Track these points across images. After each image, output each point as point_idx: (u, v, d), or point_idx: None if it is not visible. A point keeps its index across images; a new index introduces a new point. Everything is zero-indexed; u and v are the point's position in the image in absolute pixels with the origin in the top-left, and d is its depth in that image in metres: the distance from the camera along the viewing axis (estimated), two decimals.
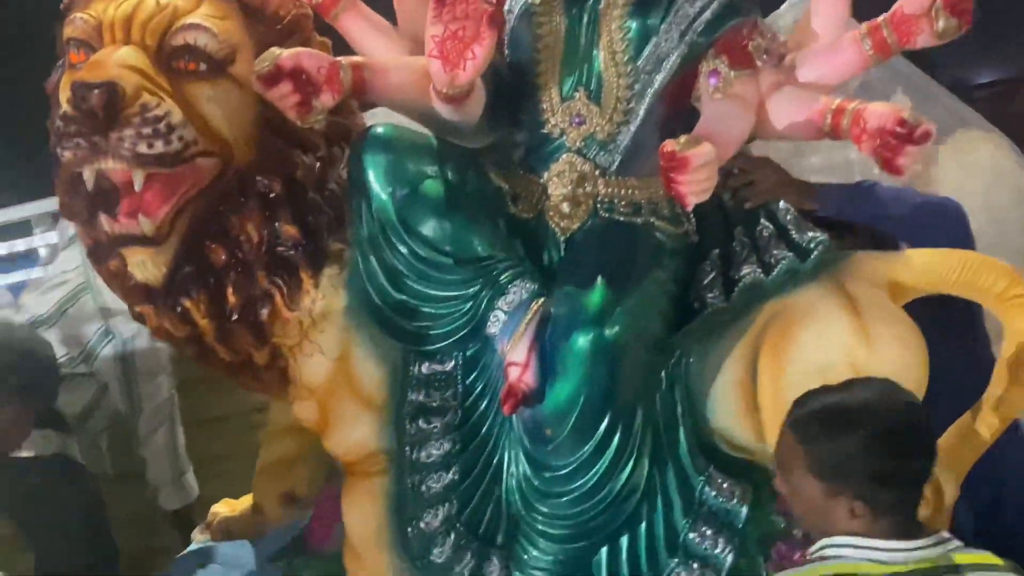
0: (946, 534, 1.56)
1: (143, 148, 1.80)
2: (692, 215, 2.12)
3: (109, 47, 1.87)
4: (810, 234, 2.06)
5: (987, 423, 2.10)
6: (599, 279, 1.91)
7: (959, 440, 2.13)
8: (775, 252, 2.04)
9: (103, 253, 2.01)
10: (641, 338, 1.92)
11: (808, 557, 1.57)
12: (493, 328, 1.95)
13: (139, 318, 2.12)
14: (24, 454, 2.50)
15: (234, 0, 1.95)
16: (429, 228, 1.93)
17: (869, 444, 1.51)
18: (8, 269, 3.07)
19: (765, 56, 2.01)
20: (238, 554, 2.43)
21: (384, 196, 1.92)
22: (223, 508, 2.59)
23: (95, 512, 2.55)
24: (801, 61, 2.03)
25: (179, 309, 1.97)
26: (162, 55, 1.88)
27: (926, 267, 2.12)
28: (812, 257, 2.02)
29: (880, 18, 1.92)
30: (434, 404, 2.02)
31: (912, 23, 1.88)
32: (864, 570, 1.46)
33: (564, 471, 1.91)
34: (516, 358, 1.90)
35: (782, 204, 2.12)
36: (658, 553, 2.02)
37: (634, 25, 2.02)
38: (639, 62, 2.01)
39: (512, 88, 2.06)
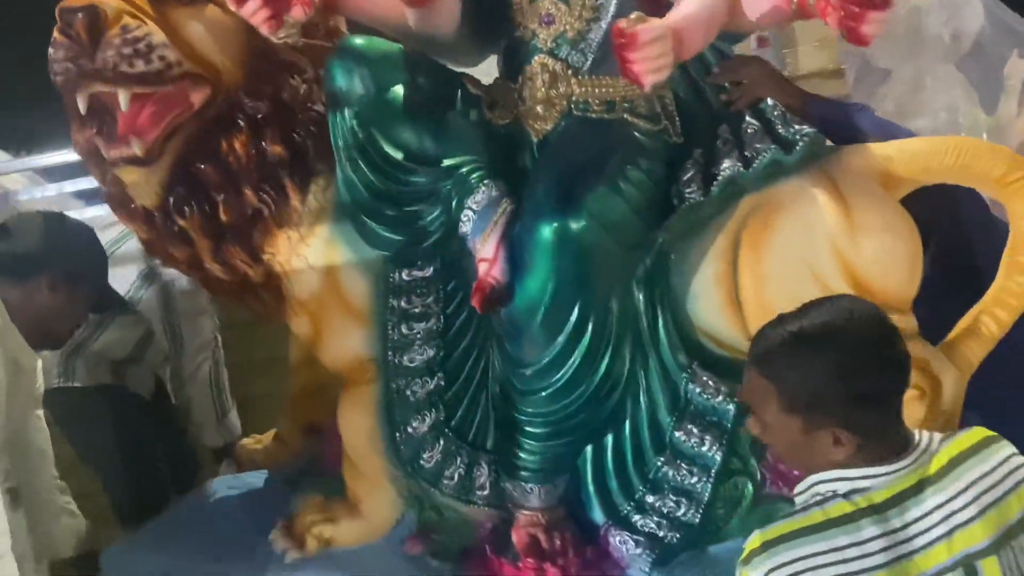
0: (927, 436, 1.50)
1: (125, 67, 1.92)
2: (675, 115, 2.11)
3: None
4: (796, 127, 2.03)
5: (995, 316, 2.05)
6: (567, 172, 1.94)
7: (967, 335, 2.07)
8: (758, 146, 2.01)
9: (105, 178, 2.14)
10: (610, 231, 1.92)
11: (797, 497, 1.50)
12: (464, 227, 2.00)
13: (149, 247, 2.24)
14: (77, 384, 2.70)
15: None
16: (397, 134, 1.99)
17: (841, 366, 1.44)
18: (82, 207, 3.25)
19: None
20: (251, 481, 2.53)
21: (353, 103, 1.98)
22: (250, 441, 2.73)
23: (149, 438, 2.74)
24: None
25: (176, 229, 2.08)
26: None
27: (919, 154, 2.05)
28: (797, 149, 1.98)
29: None
30: (416, 310, 2.08)
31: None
32: (860, 504, 1.41)
33: (540, 365, 1.95)
34: (485, 254, 1.94)
35: (770, 101, 2.09)
36: (644, 452, 2.05)
37: None
38: None
39: (490, 1, 2.10)
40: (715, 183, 1.99)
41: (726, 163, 2.00)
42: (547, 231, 1.87)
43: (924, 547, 1.40)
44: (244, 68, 2.06)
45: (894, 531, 1.40)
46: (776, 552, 1.39)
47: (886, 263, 1.96)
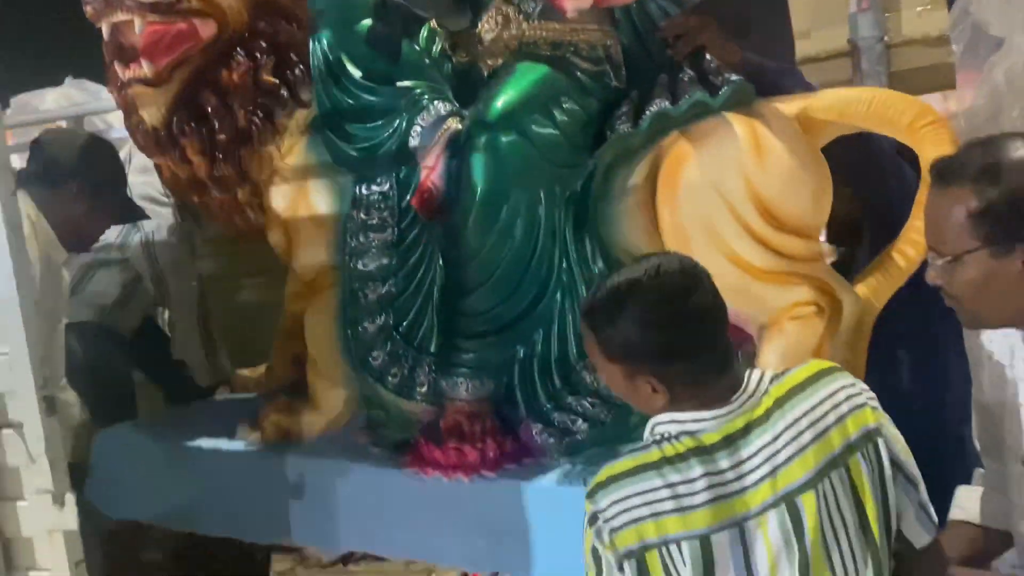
0: (756, 376, 1.58)
1: None
2: (619, 62, 2.37)
3: None
4: (726, 75, 2.25)
5: (904, 253, 2.23)
6: (504, 93, 2.22)
7: (876, 268, 2.29)
8: (689, 91, 2.24)
9: (123, 103, 2.50)
10: (539, 149, 2.20)
11: (645, 435, 1.59)
12: (413, 142, 2.29)
13: (160, 173, 2.59)
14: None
15: None
16: (359, 57, 2.33)
17: (642, 319, 1.54)
18: None
19: None
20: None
21: (327, 28, 2.32)
22: (245, 371, 3.03)
23: (121, 369, 3.08)
24: None
25: (177, 150, 2.42)
26: None
27: (836, 100, 2.26)
28: (722, 92, 2.21)
29: None
30: (373, 222, 2.35)
31: None
32: (690, 445, 1.51)
33: (475, 261, 2.20)
34: (428, 163, 2.24)
35: (707, 55, 2.32)
36: (567, 355, 2.27)
37: None
38: None
39: None
40: (643, 116, 2.23)
41: (656, 101, 2.24)
42: (480, 140, 2.16)
43: (751, 486, 1.49)
44: (249, 11, 2.38)
45: (721, 471, 1.49)
46: (618, 487, 1.50)
47: (791, 190, 2.16)
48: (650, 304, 1.55)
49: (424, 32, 2.41)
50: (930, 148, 2.15)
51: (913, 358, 2.48)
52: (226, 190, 2.46)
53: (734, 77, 2.23)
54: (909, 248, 2.18)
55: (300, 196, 2.41)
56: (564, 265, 2.27)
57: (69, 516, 1.84)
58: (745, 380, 1.57)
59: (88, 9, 2.30)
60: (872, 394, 1.59)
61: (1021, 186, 1.50)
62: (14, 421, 1.86)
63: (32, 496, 1.88)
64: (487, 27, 2.34)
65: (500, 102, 2.20)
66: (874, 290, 2.27)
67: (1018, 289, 1.54)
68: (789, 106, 2.25)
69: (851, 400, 1.55)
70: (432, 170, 2.21)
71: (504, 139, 2.16)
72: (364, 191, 2.36)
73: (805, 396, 1.54)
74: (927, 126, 2.17)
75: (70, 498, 1.84)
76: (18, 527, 1.91)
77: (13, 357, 1.83)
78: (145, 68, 2.30)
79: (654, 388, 1.54)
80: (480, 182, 2.16)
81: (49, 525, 1.87)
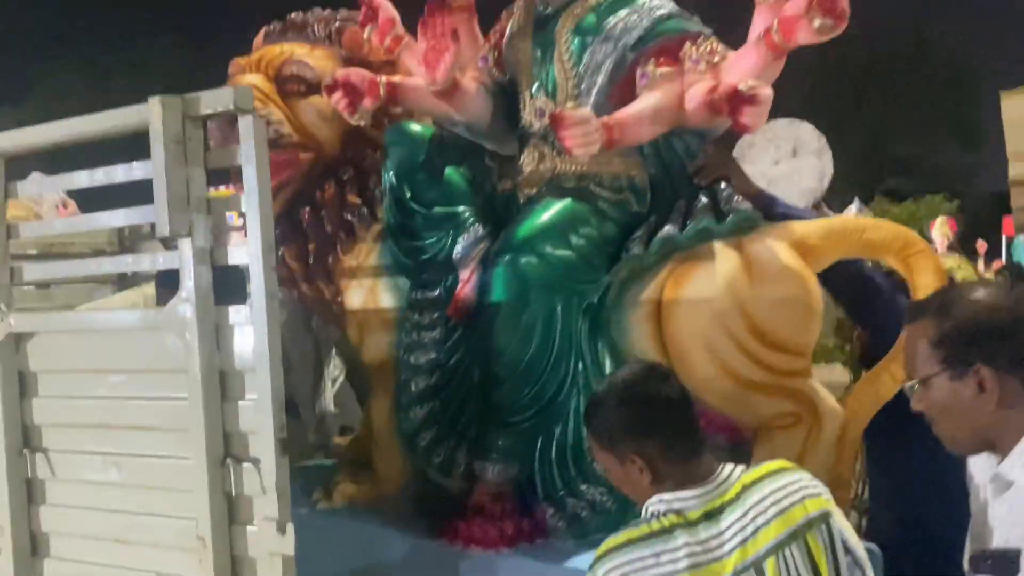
0: (729, 468, 1.85)
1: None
2: (643, 189, 2.70)
3: (247, 75, 2.86)
4: (736, 204, 2.56)
5: (891, 373, 2.46)
6: (528, 221, 2.60)
7: (866, 385, 2.56)
8: (700, 217, 2.55)
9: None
10: (554, 267, 2.53)
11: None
12: (456, 256, 2.68)
13: None
14: None
15: (335, 47, 2.91)
16: (418, 187, 2.75)
17: (618, 404, 1.87)
18: None
19: (691, 62, 2.55)
20: None
21: (394, 162, 2.75)
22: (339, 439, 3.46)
23: None
24: (725, 67, 2.52)
25: (280, 254, 2.90)
26: (278, 79, 2.85)
27: (832, 228, 2.57)
28: (728, 220, 2.51)
29: (772, 22, 2.36)
30: (424, 322, 2.73)
31: (793, 23, 2.31)
32: (676, 521, 1.77)
33: (503, 359, 2.56)
34: (463, 276, 2.63)
35: (723, 185, 2.63)
36: (582, 446, 2.53)
37: (576, 40, 2.68)
38: (580, 68, 2.68)
39: (512, 98, 2.84)
40: (653, 240, 2.56)
41: (667, 227, 2.56)
42: (504, 259, 2.54)
43: (725, 554, 1.74)
44: (340, 141, 2.87)
45: (701, 542, 1.75)
46: (613, 556, 1.76)
47: (780, 312, 2.44)
48: (624, 393, 1.89)
49: (474, 164, 2.83)
50: (917, 274, 2.44)
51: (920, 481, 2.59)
52: (316, 289, 2.92)
53: (743, 206, 2.54)
54: (897, 367, 2.37)
55: (370, 296, 2.83)
56: (580, 367, 2.58)
57: (288, 543, 2.11)
58: (720, 469, 1.85)
59: (212, 142, 2.83)
60: (827, 489, 1.84)
61: (969, 318, 1.76)
62: (254, 457, 2.15)
63: (260, 522, 2.13)
64: (527, 161, 2.75)
65: (523, 229, 2.58)
66: (859, 406, 2.52)
67: (977, 410, 1.74)
68: (789, 233, 2.52)
69: (809, 488, 1.82)
70: (467, 282, 2.60)
71: (523, 260, 2.52)
72: (418, 295, 2.75)
73: (770, 482, 1.81)
74: (914, 254, 2.46)
75: (290, 527, 2.12)
76: (246, 548, 2.18)
77: (259, 403, 2.13)
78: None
79: (640, 468, 1.82)
80: (501, 295, 2.53)
81: (271, 549, 2.12)
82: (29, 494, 2.50)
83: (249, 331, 2.15)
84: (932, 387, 1.79)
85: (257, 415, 2.15)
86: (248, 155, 2.13)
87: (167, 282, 3.03)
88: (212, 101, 2.17)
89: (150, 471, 2.30)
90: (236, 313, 2.18)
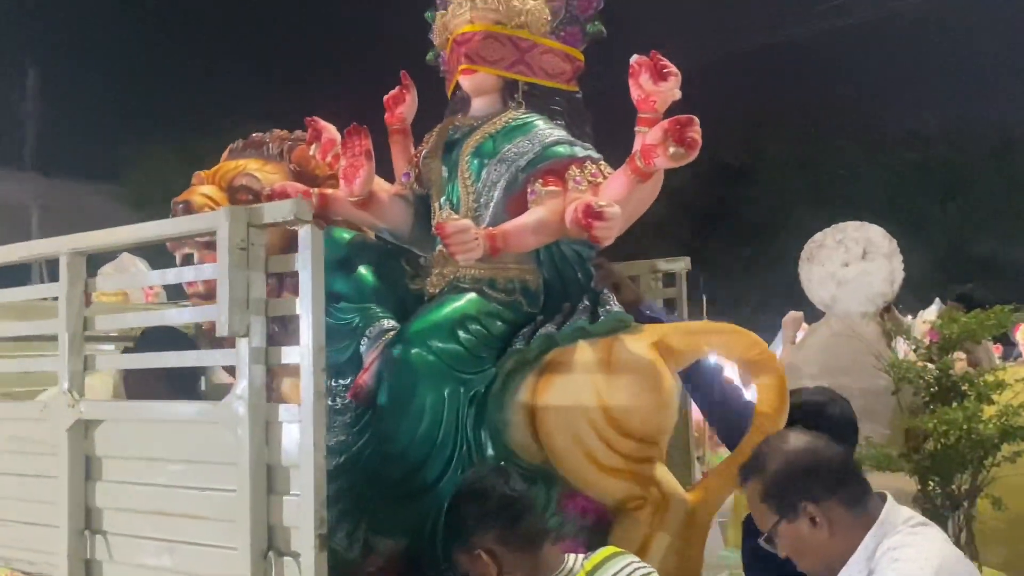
0: (572, 558, 2.30)
1: (198, 237, 2.93)
2: (535, 290, 3.00)
3: (204, 186, 3.16)
4: (612, 308, 2.89)
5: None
6: (421, 317, 2.85)
7: (716, 475, 2.89)
8: (577, 318, 2.86)
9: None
10: (441, 359, 2.75)
11: None
12: (363, 347, 2.89)
13: None
14: None
15: (284, 164, 3.25)
16: (338, 285, 2.93)
17: (463, 505, 2.34)
18: None
19: (574, 182, 2.90)
20: None
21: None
22: None
23: None
24: (602, 188, 2.88)
25: None
26: (230, 189, 3.15)
27: (689, 331, 2.94)
28: (600, 321, 2.84)
29: (635, 148, 2.72)
30: (338, 406, 2.89)
31: (652, 150, 2.66)
32: None
33: (391, 440, 2.73)
34: (366, 363, 2.83)
35: (605, 291, 2.98)
36: None
37: (475, 161, 3.04)
38: (478, 185, 3.03)
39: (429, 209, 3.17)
40: (534, 336, 2.83)
41: (548, 326, 2.86)
42: (394, 351, 2.75)
43: None
44: (280, 243, 2.85)
45: None
46: None
47: (633, 404, 2.72)
48: (467, 490, 2.36)
49: (390, 265, 3.10)
50: (759, 374, 2.82)
51: None
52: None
53: (616, 311, 2.89)
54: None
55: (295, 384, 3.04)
56: (464, 449, 2.76)
57: None
58: (565, 559, 2.24)
59: (168, 244, 3.03)
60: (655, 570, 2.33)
61: (780, 468, 2.14)
62: (294, 551, 2.24)
63: None
64: (435, 264, 3.05)
65: (417, 323, 2.82)
66: (707, 495, 2.80)
67: (819, 541, 2.09)
68: (651, 334, 2.86)
69: (643, 568, 2.26)
70: (366, 370, 2.81)
71: (413, 351, 2.74)
72: (334, 383, 2.90)
73: (611, 566, 2.24)
74: (757, 357, 2.83)
75: None
76: None
77: (302, 499, 2.23)
78: (201, 287, 2.95)
79: (487, 563, 2.19)
80: (392, 382, 2.74)
81: None
82: (87, 574, 2.62)
83: (296, 429, 2.26)
84: (778, 535, 2.13)
85: (299, 510, 2.24)
86: (304, 262, 2.28)
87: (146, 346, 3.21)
88: (273, 212, 2.33)
89: (200, 559, 2.40)
90: (285, 411, 2.30)
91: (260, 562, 2.27)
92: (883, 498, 2.16)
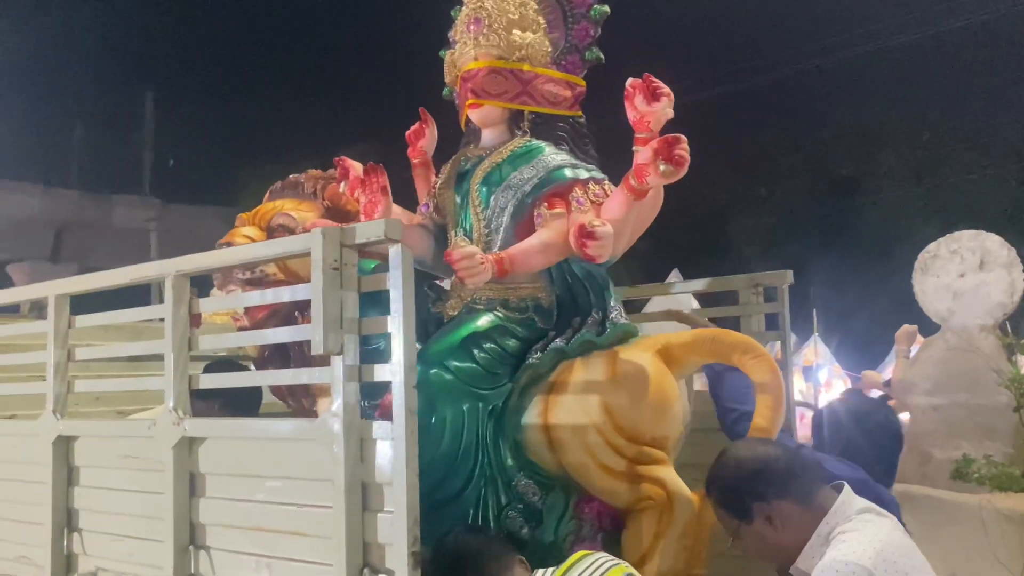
0: (541, 571, 2.43)
1: (239, 274, 3.22)
2: (548, 308, 3.11)
3: (245, 228, 3.43)
4: (619, 320, 3.03)
5: None
6: (438, 339, 2.94)
7: None
8: (586, 331, 2.99)
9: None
10: (458, 377, 2.84)
11: None
12: None
13: None
14: None
15: (318, 202, 3.54)
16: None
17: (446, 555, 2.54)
18: None
19: (577, 203, 3.05)
20: None
21: None
22: None
23: None
24: (604, 207, 3.02)
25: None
26: (268, 229, 3.41)
27: (690, 338, 3.08)
28: (607, 332, 2.99)
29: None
30: None
31: (643, 169, 2.80)
32: None
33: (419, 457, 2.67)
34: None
35: (613, 302, 3.09)
36: (489, 520, 2.84)
37: (484, 189, 3.19)
38: (487, 212, 3.16)
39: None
40: (547, 350, 2.95)
41: (558, 340, 2.98)
42: (416, 371, 2.70)
43: None
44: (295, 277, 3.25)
45: None
46: None
47: (638, 410, 2.85)
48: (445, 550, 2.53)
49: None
50: (755, 373, 2.93)
51: None
52: (297, 400, 3.42)
53: (622, 322, 3.04)
54: None
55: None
56: (485, 461, 2.85)
57: None
58: (534, 573, 2.38)
59: (216, 282, 3.30)
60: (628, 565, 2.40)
61: (729, 476, 2.45)
62: (388, 568, 2.28)
63: None
64: (450, 289, 3.21)
65: (435, 345, 2.91)
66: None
67: (775, 539, 2.35)
68: (655, 343, 3.00)
69: (611, 561, 2.33)
70: (391, 392, 2.86)
71: (432, 371, 2.81)
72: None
73: (578, 566, 2.31)
74: (753, 358, 2.94)
75: None
76: None
77: (396, 516, 2.27)
78: (246, 320, 3.24)
79: None
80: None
81: None
82: None
83: (389, 446, 2.28)
84: (742, 538, 2.39)
85: (393, 527, 2.27)
86: (396, 281, 2.30)
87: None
88: (365, 232, 2.36)
89: (297, 575, 2.44)
90: (379, 428, 2.32)
91: None
92: (838, 489, 2.40)
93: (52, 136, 21.07)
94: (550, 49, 3.33)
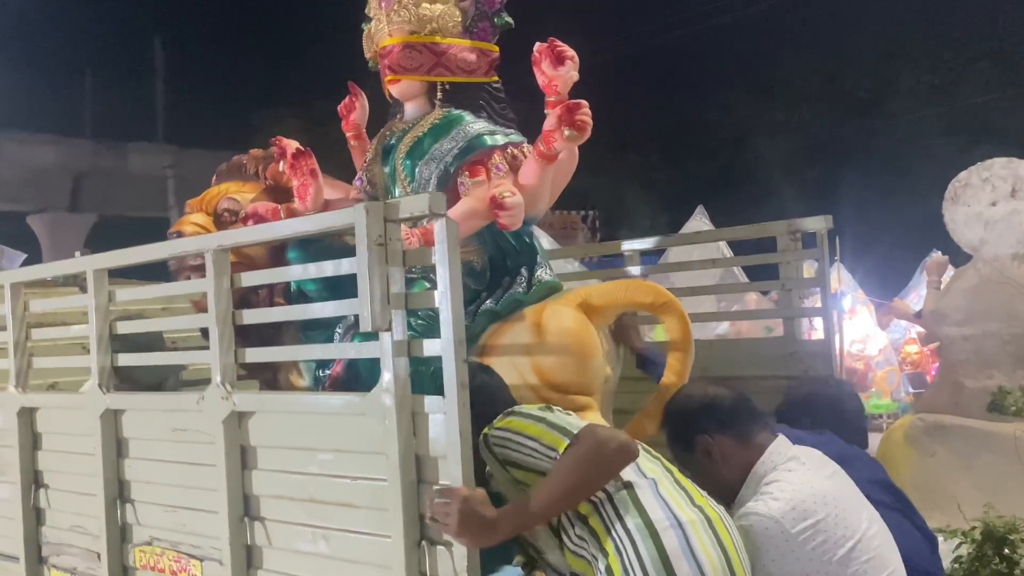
0: None
1: (192, 260, 3.25)
2: (478, 271, 3.28)
3: (194, 215, 3.60)
4: (541, 273, 3.28)
5: (652, 419, 3.01)
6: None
7: (633, 426, 3.06)
8: (514, 290, 3.21)
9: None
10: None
11: None
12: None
13: None
14: None
15: (260, 181, 3.67)
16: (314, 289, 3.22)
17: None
18: None
19: (496, 170, 3.23)
20: None
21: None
22: None
23: None
24: (520, 171, 3.23)
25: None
26: (215, 214, 3.58)
27: (606, 291, 3.23)
28: (532, 289, 3.21)
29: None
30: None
31: (550, 135, 3.00)
32: None
33: None
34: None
35: (540, 258, 3.34)
36: None
37: (407, 162, 3.37)
38: (414, 184, 3.34)
39: None
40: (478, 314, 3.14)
41: (488, 300, 3.19)
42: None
43: None
44: (267, 256, 3.31)
45: None
46: None
47: (558, 359, 3.03)
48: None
49: None
50: (666, 319, 3.15)
51: None
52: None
53: (546, 278, 3.28)
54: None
55: (295, 376, 3.40)
56: None
57: None
58: None
59: (171, 267, 3.33)
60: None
61: (676, 410, 2.72)
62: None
63: None
64: None
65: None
66: (642, 429, 3.01)
67: (716, 471, 2.54)
68: (576, 296, 3.18)
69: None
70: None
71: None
72: (319, 373, 3.27)
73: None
74: (662, 304, 3.14)
75: None
76: None
77: None
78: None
79: None
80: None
81: None
82: (248, 559, 2.74)
83: (442, 419, 2.29)
84: (688, 468, 2.52)
85: None
86: (441, 256, 2.28)
87: None
88: (409, 206, 2.34)
89: (354, 546, 2.47)
90: (431, 402, 2.32)
91: (414, 551, 2.32)
92: (775, 434, 2.59)
93: (65, 87, 20.99)
94: (460, 18, 3.45)
